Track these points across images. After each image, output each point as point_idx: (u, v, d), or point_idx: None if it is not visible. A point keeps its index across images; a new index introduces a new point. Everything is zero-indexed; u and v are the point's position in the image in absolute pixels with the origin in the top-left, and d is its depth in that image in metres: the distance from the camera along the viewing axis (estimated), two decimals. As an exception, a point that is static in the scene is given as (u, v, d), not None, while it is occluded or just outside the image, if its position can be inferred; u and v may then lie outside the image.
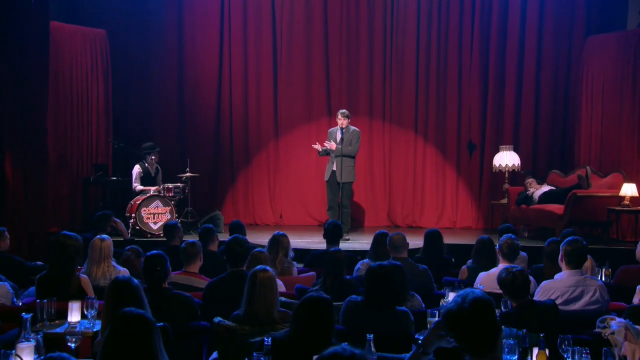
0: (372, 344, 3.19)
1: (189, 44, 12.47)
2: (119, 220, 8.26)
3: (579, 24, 11.87)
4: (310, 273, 6.49)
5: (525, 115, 12.12)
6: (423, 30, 12.28)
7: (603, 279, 6.60)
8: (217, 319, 4.19)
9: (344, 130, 10.14)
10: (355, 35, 12.39)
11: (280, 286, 5.75)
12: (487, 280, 5.58)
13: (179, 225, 7.43)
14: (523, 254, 7.00)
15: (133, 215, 9.91)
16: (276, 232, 6.57)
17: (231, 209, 12.54)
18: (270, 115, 12.56)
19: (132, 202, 10.19)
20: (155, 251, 4.70)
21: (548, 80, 12.08)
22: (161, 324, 3.72)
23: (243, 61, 12.48)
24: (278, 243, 6.40)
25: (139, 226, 9.89)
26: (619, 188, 9.48)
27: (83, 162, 11.13)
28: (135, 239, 8.96)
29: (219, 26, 12.45)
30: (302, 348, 3.44)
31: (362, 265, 6.50)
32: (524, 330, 3.86)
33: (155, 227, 10.02)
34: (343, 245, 9.18)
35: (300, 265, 7.25)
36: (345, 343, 2.35)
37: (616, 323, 3.86)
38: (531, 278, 5.65)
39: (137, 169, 10.55)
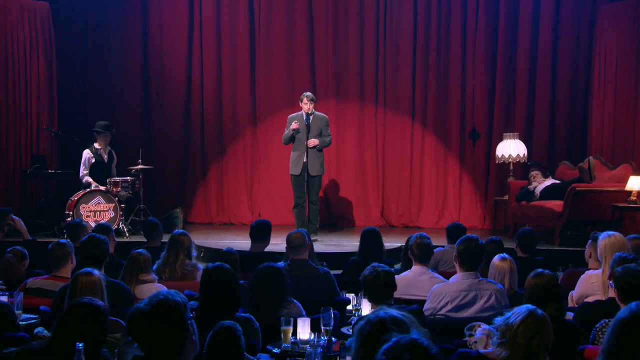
0: (82, 355, 3.20)
1: (154, 17, 12.63)
2: (18, 219, 8.45)
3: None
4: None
5: (540, 96, 11.89)
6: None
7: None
8: (37, 330, 4.33)
9: (310, 117, 10.22)
10: (344, 6, 12.33)
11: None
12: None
13: (84, 223, 7.61)
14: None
15: (70, 213, 10.08)
16: (175, 230, 6.68)
17: (202, 206, 12.71)
18: (247, 99, 12.61)
19: (71, 198, 10.32)
20: None
21: (567, 55, 11.82)
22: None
23: (216, 36, 12.57)
24: (178, 243, 6.47)
25: (77, 225, 10.07)
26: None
27: (21, 153, 11.35)
28: (38, 240, 9.09)
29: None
30: None
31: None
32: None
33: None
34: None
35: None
36: None
37: (481, 331, 3.99)
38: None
39: (86, 153, 10.61)
